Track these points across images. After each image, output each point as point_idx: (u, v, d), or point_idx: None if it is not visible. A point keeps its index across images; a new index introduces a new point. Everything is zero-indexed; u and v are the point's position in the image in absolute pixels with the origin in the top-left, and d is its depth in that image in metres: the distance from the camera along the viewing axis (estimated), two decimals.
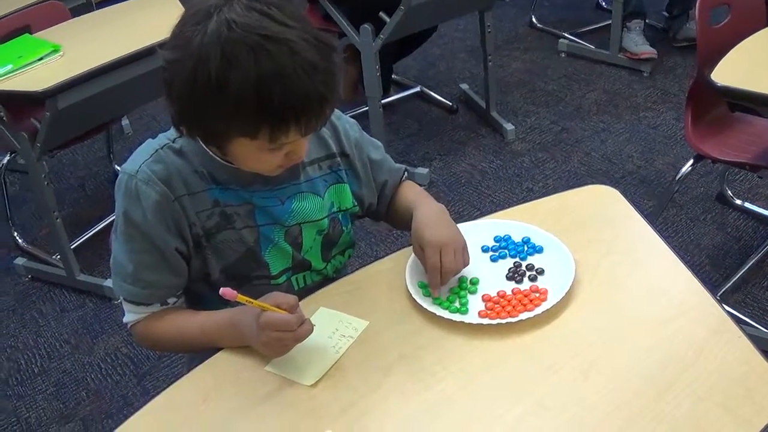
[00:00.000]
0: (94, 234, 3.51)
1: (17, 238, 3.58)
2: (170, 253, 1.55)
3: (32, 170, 2.99)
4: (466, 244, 1.61)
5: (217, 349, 1.54)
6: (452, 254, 1.56)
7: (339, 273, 1.75)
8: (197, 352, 1.61)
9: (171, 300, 1.62)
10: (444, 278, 1.56)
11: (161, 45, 1.42)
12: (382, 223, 1.88)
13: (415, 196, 1.76)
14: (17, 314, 3.22)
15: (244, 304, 1.42)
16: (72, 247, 3.26)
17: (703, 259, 3.09)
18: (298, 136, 1.41)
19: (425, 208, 1.68)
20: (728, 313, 1.49)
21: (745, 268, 2.99)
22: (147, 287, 1.57)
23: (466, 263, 1.60)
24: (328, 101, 1.39)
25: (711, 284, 2.91)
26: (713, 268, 3.04)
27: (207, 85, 1.32)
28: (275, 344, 1.45)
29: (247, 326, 1.47)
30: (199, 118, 1.40)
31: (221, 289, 1.39)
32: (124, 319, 1.65)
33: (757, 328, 2.72)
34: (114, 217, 1.59)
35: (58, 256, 3.28)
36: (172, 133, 1.56)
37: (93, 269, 3.32)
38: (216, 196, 1.56)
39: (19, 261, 3.43)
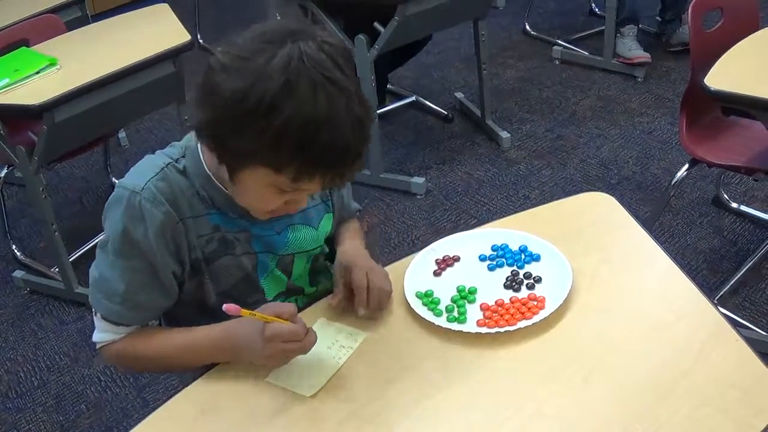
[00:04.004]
0: (92, 247, 3.50)
1: (15, 251, 3.58)
2: (166, 275, 1.52)
3: (30, 183, 2.99)
4: (387, 274, 1.62)
5: (209, 366, 1.53)
6: (379, 275, 1.57)
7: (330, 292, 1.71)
8: (178, 372, 1.58)
9: (152, 322, 1.60)
10: (372, 296, 1.55)
11: (214, 48, 1.38)
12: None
13: (345, 231, 1.77)
14: (16, 327, 3.22)
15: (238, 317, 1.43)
16: (70, 260, 3.26)
17: (700, 263, 3.10)
18: (316, 186, 1.40)
19: (351, 242, 1.71)
20: (726, 316, 1.50)
21: (742, 272, 3.00)
22: (135, 308, 1.53)
23: (390, 289, 1.60)
24: (360, 161, 1.38)
25: (708, 288, 2.92)
26: (710, 271, 3.05)
27: (257, 105, 1.28)
28: (280, 356, 1.45)
29: (247, 339, 1.46)
30: (231, 131, 1.34)
31: (225, 305, 1.39)
32: (97, 338, 1.58)
33: (754, 330, 2.72)
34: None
35: (57, 269, 3.28)
36: (174, 151, 1.54)
37: None
38: (217, 221, 1.54)
39: (18, 274, 3.42)
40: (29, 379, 2.97)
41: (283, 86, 1.28)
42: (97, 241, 3.46)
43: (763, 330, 2.73)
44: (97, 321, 1.56)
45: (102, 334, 1.57)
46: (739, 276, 2.98)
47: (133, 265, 1.49)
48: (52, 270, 3.37)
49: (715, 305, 1.54)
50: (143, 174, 1.49)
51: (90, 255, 3.42)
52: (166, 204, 1.47)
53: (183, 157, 1.52)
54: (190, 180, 1.51)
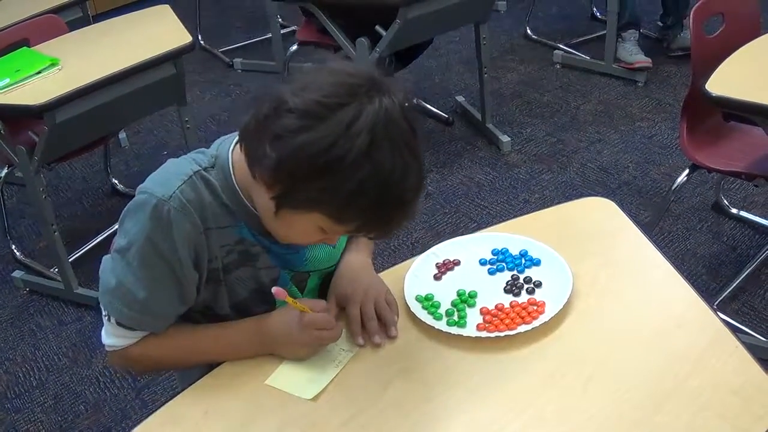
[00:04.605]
0: (92, 247, 3.51)
1: (15, 251, 3.57)
2: (189, 286, 1.50)
3: (30, 184, 2.99)
4: (388, 290, 1.61)
5: (215, 365, 1.54)
6: (371, 303, 1.57)
7: None
8: (203, 366, 1.59)
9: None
10: (368, 326, 1.55)
11: (287, 87, 1.34)
12: None
13: (353, 241, 1.75)
14: (15, 327, 3.22)
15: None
16: (70, 260, 3.26)
17: (699, 268, 3.10)
18: (370, 235, 1.43)
19: (351, 257, 1.70)
20: (725, 322, 1.50)
21: (742, 277, 3.00)
22: (154, 316, 1.51)
23: (390, 305, 1.59)
24: (412, 218, 1.41)
25: (708, 293, 2.92)
26: (710, 277, 3.05)
27: (338, 161, 1.27)
28: (314, 342, 1.50)
29: (283, 327, 1.51)
30: (301, 180, 1.31)
31: (274, 288, 1.45)
32: (109, 342, 1.56)
33: (754, 336, 2.72)
34: (116, 234, 1.51)
35: (56, 270, 3.28)
36: (203, 159, 1.50)
37: (91, 283, 3.32)
38: (243, 234, 1.52)
39: (17, 274, 3.42)
40: (28, 379, 2.96)
41: (367, 147, 1.27)
42: (97, 241, 3.50)
43: (762, 336, 2.73)
44: (110, 326, 1.53)
45: (115, 338, 1.55)
46: (738, 282, 2.98)
47: (155, 274, 1.46)
48: (52, 270, 3.37)
49: (715, 311, 1.54)
50: (170, 180, 1.46)
51: (90, 255, 3.45)
52: (194, 214, 1.44)
53: (212, 167, 1.49)
54: (215, 191, 1.48)
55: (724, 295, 2.92)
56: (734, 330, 1.47)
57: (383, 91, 1.31)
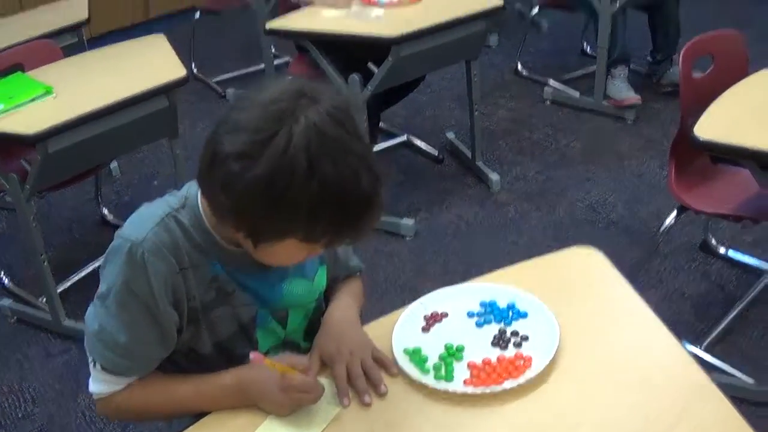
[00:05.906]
0: (80, 278, 3.50)
1: (3, 278, 3.56)
2: (169, 327, 1.51)
3: (21, 212, 2.98)
4: (374, 348, 1.61)
5: (201, 414, 1.54)
6: (358, 362, 1.56)
7: None
8: (184, 417, 1.60)
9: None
10: (356, 384, 1.55)
11: (220, 130, 1.37)
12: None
13: (339, 290, 1.77)
14: (2, 356, 3.21)
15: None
16: (58, 290, 3.24)
17: (687, 308, 3.10)
18: (345, 243, 1.47)
19: (336, 313, 1.69)
20: (711, 364, 1.50)
21: (730, 318, 3.01)
22: (137, 360, 1.53)
23: (379, 362, 1.59)
24: (381, 211, 1.42)
25: (695, 334, 2.93)
26: (697, 318, 3.06)
27: (285, 189, 1.31)
28: (293, 404, 1.49)
29: (262, 387, 1.50)
30: (261, 216, 1.35)
31: (251, 353, 1.45)
32: (95, 389, 1.57)
33: (740, 378, 2.72)
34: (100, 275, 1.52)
35: (45, 299, 3.27)
36: (174, 200, 1.53)
37: (79, 314, 3.30)
38: (217, 272, 1.53)
39: (5, 302, 3.40)
40: (14, 410, 2.95)
41: (307, 168, 1.30)
42: (86, 272, 3.48)
43: (749, 377, 2.73)
44: (95, 372, 1.55)
45: (100, 384, 1.56)
46: (726, 322, 2.99)
47: (135, 317, 1.48)
48: (40, 300, 3.35)
49: (699, 360, 1.54)
50: (143, 224, 1.49)
51: (78, 287, 3.43)
52: (168, 255, 1.47)
53: (183, 207, 1.52)
54: (188, 232, 1.50)
55: (712, 336, 2.91)
56: (722, 372, 1.48)
57: (307, 106, 1.34)
